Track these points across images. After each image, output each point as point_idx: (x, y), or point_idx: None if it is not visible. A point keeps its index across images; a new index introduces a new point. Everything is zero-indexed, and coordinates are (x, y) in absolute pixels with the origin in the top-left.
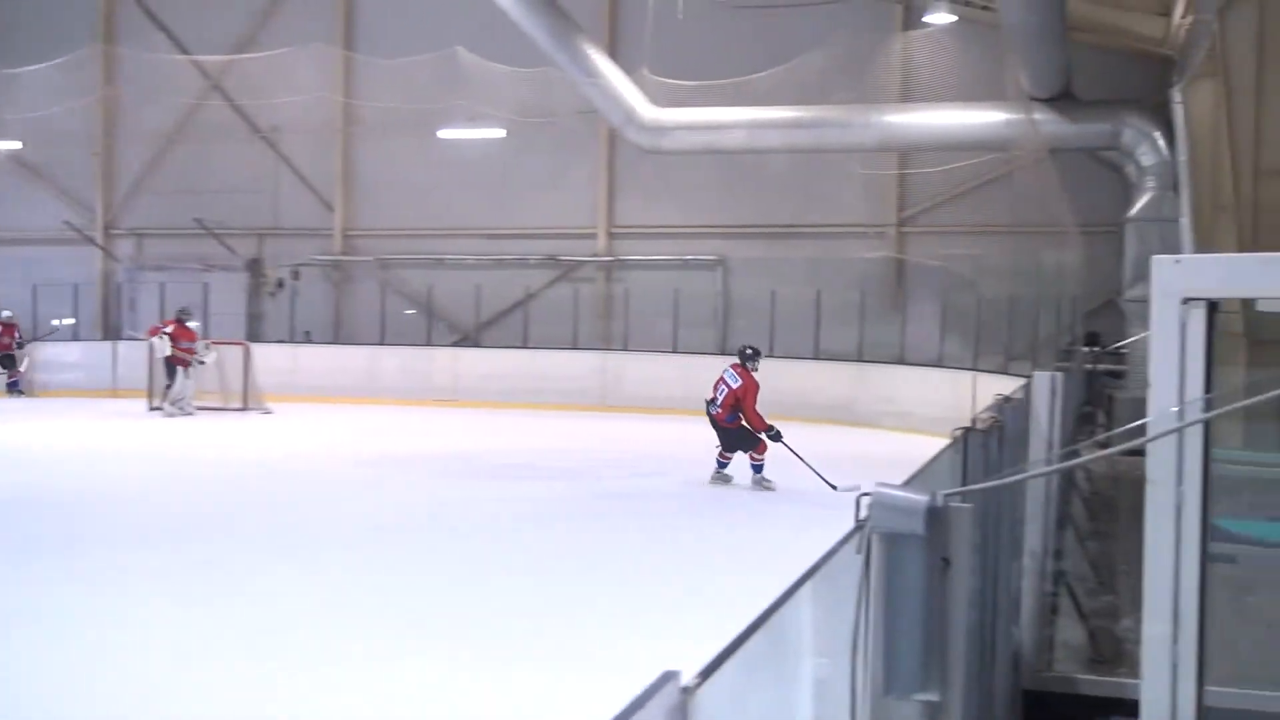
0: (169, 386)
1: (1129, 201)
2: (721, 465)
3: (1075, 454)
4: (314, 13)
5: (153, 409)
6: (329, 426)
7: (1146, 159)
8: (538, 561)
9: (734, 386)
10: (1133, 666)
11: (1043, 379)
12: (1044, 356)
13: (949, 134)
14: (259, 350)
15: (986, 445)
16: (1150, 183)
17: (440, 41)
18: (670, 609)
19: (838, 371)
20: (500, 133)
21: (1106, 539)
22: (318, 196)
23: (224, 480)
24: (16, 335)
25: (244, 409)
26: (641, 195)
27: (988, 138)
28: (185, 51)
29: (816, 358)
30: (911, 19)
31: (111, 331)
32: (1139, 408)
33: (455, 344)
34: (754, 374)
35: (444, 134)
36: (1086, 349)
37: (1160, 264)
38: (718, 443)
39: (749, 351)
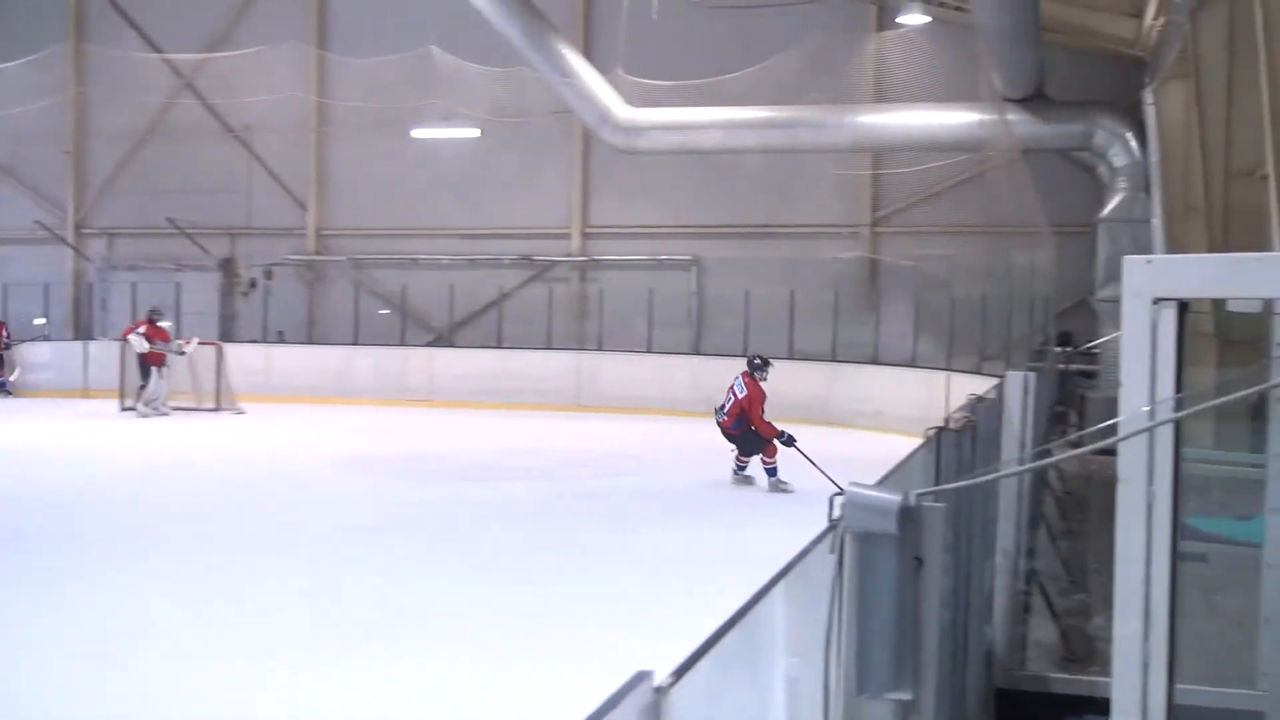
0: (143, 387)
1: (1101, 202)
2: (740, 468)
3: (1047, 453)
4: (287, 11)
5: (125, 409)
6: (305, 427)
7: (1118, 160)
8: (532, 561)
9: (739, 396)
10: (1104, 665)
11: (1015, 379)
12: (1017, 356)
13: (923, 134)
14: (232, 350)
15: (959, 445)
16: (1122, 183)
17: (414, 41)
18: (669, 608)
19: (812, 371)
20: (474, 132)
21: (1078, 538)
22: (291, 196)
23: (213, 480)
24: (5, 336)
25: (217, 409)
26: (616, 195)
27: (961, 138)
28: (157, 50)
29: (791, 357)
30: (885, 19)
31: (83, 331)
32: (1111, 407)
33: (429, 344)
34: (762, 384)
35: (418, 133)
36: (1059, 349)
37: (1132, 264)
38: (732, 447)
39: (757, 362)
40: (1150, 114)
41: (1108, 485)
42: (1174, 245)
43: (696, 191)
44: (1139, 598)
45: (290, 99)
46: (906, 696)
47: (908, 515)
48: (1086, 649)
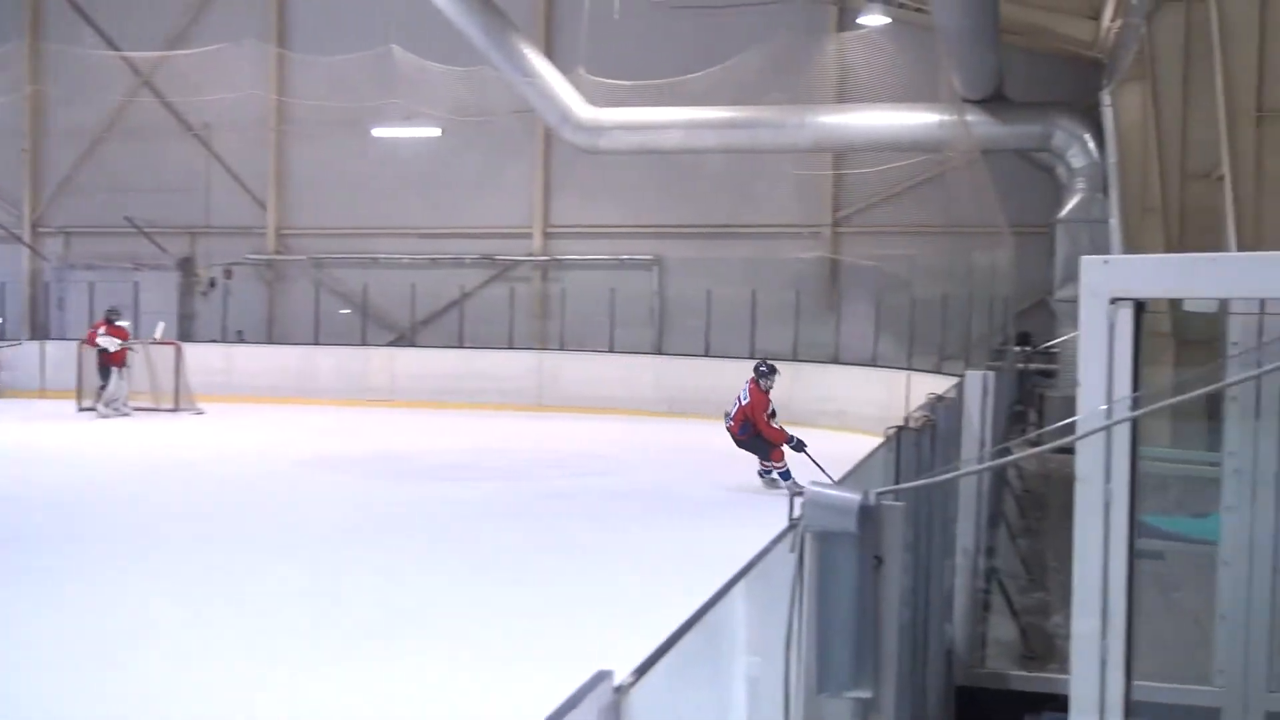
0: (103, 387)
1: (1059, 202)
2: (765, 472)
3: (1007, 452)
4: (246, 9)
5: (83, 409)
6: (269, 427)
7: (1077, 161)
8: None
9: (744, 403)
10: (1063, 662)
11: (975, 378)
12: (976, 356)
13: (883, 135)
14: (191, 350)
15: (919, 444)
16: (1080, 184)
17: (375, 39)
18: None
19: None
20: (435, 131)
21: (1038, 536)
22: (250, 195)
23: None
24: None
25: (175, 409)
26: (578, 195)
27: (921, 139)
28: (115, 48)
29: (752, 357)
30: (846, 20)
31: (40, 331)
32: (1069, 406)
33: (391, 344)
34: (766, 391)
35: (379, 132)
36: (1018, 348)
37: (1089, 264)
38: (742, 452)
39: (763, 368)
40: (1108, 115)
41: (1066, 484)
42: (1131, 245)
43: (658, 191)
44: (1097, 595)
45: (250, 97)
46: (867, 695)
47: (867, 514)
48: (1046, 646)
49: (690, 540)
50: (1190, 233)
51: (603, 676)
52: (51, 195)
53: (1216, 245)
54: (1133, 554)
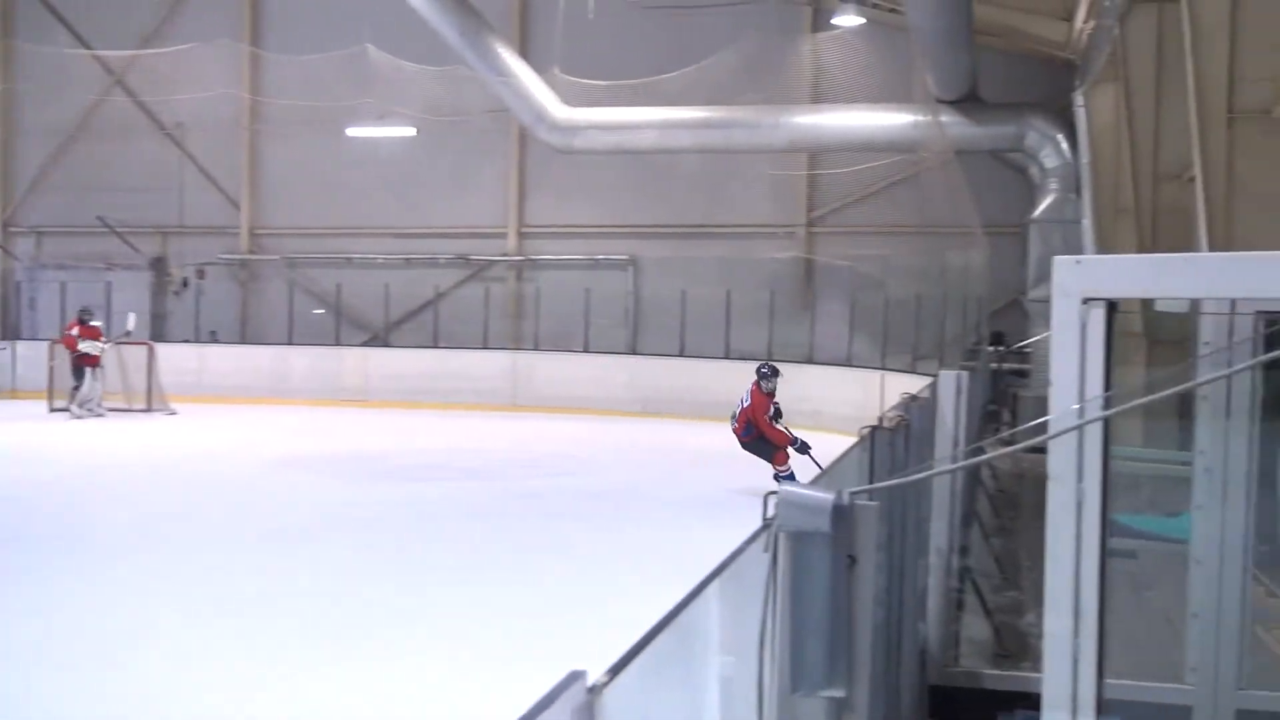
0: (76, 388)
1: (1033, 203)
2: (779, 474)
3: (980, 451)
4: (220, 8)
5: (54, 410)
6: (243, 427)
7: (1050, 161)
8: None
9: (745, 406)
10: (1036, 660)
11: (948, 378)
12: (950, 356)
13: (857, 135)
14: (164, 350)
15: (893, 443)
16: (1053, 185)
17: (349, 38)
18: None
19: (748, 371)
20: (410, 131)
21: (1011, 535)
22: (224, 194)
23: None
24: None
25: (148, 410)
26: (552, 195)
27: (895, 139)
28: (87, 46)
29: (727, 357)
30: (820, 21)
31: (10, 331)
32: (1042, 406)
33: (365, 344)
34: (768, 393)
35: (353, 132)
36: (991, 348)
37: (1061, 264)
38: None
39: (764, 370)
40: (1081, 116)
41: (1039, 483)
42: (1104, 246)
43: (633, 191)
44: (1069, 594)
45: (224, 97)
46: (840, 694)
47: (841, 514)
48: (1019, 645)
49: (663, 540)
50: (1162, 233)
51: (576, 676)
52: (23, 194)
53: (1188, 246)
54: (1105, 553)
